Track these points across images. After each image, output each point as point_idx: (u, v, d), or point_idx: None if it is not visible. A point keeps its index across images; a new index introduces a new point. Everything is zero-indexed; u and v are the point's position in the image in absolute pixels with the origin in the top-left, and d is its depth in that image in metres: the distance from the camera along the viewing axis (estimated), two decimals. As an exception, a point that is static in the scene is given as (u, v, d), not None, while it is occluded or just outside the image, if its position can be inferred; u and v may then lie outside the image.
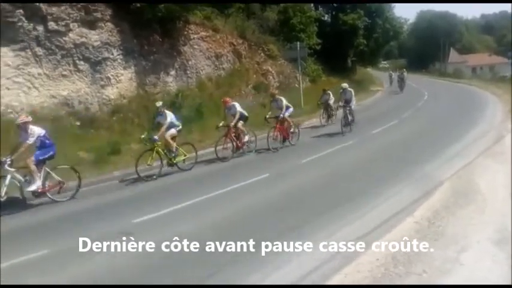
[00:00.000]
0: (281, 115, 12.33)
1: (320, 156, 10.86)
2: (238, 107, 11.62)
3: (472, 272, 4.53)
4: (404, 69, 35.25)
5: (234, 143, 11.41)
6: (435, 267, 4.65)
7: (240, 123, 11.52)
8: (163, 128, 9.84)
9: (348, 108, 14.30)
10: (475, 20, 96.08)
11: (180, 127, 10.48)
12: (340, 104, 14.79)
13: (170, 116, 10.07)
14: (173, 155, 9.99)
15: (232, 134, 11.35)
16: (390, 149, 11.46)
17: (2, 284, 4.49)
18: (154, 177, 9.52)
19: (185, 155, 10.31)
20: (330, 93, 16.92)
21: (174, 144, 10.06)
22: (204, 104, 16.18)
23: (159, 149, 9.76)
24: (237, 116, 11.37)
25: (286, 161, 10.55)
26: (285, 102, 12.88)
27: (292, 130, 12.73)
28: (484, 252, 4.97)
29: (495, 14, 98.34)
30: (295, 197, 7.62)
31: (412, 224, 5.91)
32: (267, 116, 12.80)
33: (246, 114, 11.90)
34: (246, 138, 11.72)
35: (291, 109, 13.11)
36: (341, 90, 15.05)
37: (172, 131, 10.10)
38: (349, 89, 14.95)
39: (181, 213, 6.99)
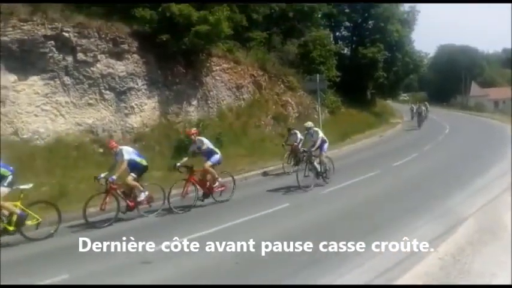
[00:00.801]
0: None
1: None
2: (127, 154, 8.72)
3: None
4: (426, 103, 34.68)
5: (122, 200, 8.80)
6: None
7: (130, 177, 8.82)
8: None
9: (311, 154, 11.11)
10: (496, 54, 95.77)
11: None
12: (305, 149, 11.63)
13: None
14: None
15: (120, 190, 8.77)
16: (411, 183, 11.26)
17: (2, 284, 4.52)
18: None
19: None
20: (297, 132, 13.77)
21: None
22: (224, 134, 16.37)
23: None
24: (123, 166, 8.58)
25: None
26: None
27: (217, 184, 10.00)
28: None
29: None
30: (315, 229, 7.51)
31: (436, 260, 5.74)
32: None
33: (142, 163, 9.06)
34: (142, 196, 8.96)
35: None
36: (305, 132, 11.95)
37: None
38: (314, 128, 11.79)
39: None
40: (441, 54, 77.15)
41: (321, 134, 11.50)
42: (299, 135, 13.45)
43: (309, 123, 12.01)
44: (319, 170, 11.12)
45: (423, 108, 30.43)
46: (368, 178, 11.88)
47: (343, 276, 5.35)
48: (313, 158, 11.14)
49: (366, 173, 12.33)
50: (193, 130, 10.58)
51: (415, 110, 31.14)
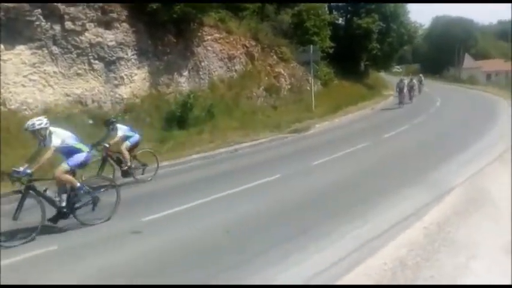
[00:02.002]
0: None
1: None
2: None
3: (481, 279, 4.47)
4: (421, 75, 34.15)
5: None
6: (444, 273, 4.61)
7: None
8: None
9: None
10: (491, 25, 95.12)
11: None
12: None
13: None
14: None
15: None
16: (400, 155, 11.37)
17: (2, 284, 4.54)
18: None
19: None
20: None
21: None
22: (215, 105, 16.29)
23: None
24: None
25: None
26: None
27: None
28: (494, 261, 4.91)
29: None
30: (304, 199, 7.61)
31: (421, 228, 5.87)
32: None
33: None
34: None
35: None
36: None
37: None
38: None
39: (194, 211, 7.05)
40: (436, 25, 76.56)
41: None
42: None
43: None
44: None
45: (414, 81, 28.33)
46: (359, 149, 11.98)
47: (334, 243, 5.45)
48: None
49: (357, 144, 12.41)
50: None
51: (405, 84, 25.42)
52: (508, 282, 4.29)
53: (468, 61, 68.88)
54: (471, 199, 7.15)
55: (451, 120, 18.19)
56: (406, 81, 26.10)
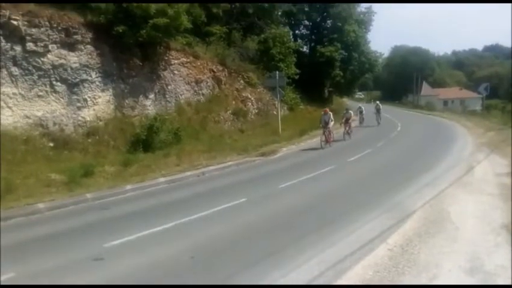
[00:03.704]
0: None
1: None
2: None
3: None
4: (378, 102, 32.21)
5: None
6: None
7: None
8: None
9: None
10: (446, 56, 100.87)
11: None
12: None
13: None
14: None
15: None
16: (364, 178, 11.60)
17: (2, 284, 4.31)
18: None
19: None
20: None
21: None
22: (183, 129, 16.19)
23: None
24: None
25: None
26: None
27: None
28: (455, 281, 5.04)
29: (465, 51, 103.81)
30: (269, 223, 7.59)
31: (386, 251, 5.97)
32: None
33: None
34: None
35: None
36: None
37: None
38: None
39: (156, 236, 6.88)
40: (395, 54, 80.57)
41: None
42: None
43: None
44: None
45: (380, 105, 29.73)
46: (324, 172, 12.14)
47: (300, 267, 5.43)
48: None
49: (322, 168, 12.59)
50: None
51: (363, 111, 28.75)
52: (508, 282, 4.36)
53: (426, 89, 72.34)
54: (432, 221, 7.36)
55: (411, 144, 18.85)
56: (363, 107, 30.09)
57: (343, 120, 21.53)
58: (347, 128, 21.17)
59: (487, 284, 4.41)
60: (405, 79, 67.71)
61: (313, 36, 36.40)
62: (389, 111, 39.47)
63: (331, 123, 18.13)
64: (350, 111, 22.50)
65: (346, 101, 50.23)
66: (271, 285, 4.42)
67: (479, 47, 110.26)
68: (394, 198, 8.96)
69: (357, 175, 11.96)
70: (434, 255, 5.83)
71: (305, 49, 36.19)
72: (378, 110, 29.09)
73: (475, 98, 66.91)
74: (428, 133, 24.02)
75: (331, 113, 18.49)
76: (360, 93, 75.37)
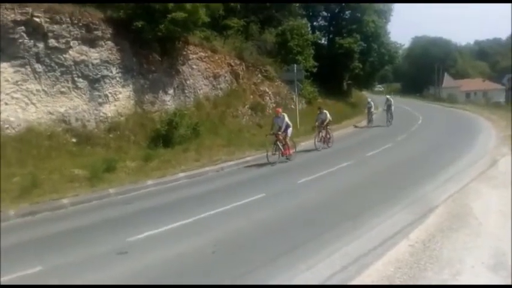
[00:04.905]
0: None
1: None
2: None
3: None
4: (388, 96, 26.83)
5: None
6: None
7: None
8: None
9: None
10: (468, 46, 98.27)
11: None
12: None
13: None
14: None
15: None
16: (384, 173, 11.49)
17: (2, 284, 4.46)
18: None
19: None
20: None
21: None
22: (201, 123, 16.27)
23: None
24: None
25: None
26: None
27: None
28: (478, 277, 4.97)
29: (488, 40, 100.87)
30: (289, 218, 7.61)
31: (407, 247, 5.91)
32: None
33: None
34: None
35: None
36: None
37: None
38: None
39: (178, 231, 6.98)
40: (415, 45, 78.86)
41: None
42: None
43: None
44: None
45: (391, 100, 25.18)
46: (342, 168, 12.06)
47: (322, 261, 5.43)
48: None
49: (340, 163, 12.50)
50: None
51: (372, 110, 25.03)
52: (508, 282, 4.31)
53: (448, 80, 70.83)
54: (454, 216, 7.25)
55: (433, 137, 18.52)
56: (372, 103, 25.65)
57: (317, 123, 16.59)
58: (322, 134, 16.33)
59: (487, 284, 4.35)
60: (426, 71, 66.48)
61: (331, 28, 35.92)
62: (409, 104, 38.93)
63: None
64: (325, 111, 17.03)
65: (365, 94, 49.63)
66: (273, 285, 4.43)
67: (503, 36, 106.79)
68: (416, 193, 8.86)
69: (377, 170, 11.83)
70: (457, 250, 5.75)
71: (323, 41, 35.77)
72: (388, 107, 24.38)
73: (498, 89, 65.43)
74: (450, 126, 23.57)
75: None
76: (379, 85, 74.30)
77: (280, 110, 14.61)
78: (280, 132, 13.51)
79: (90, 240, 6.66)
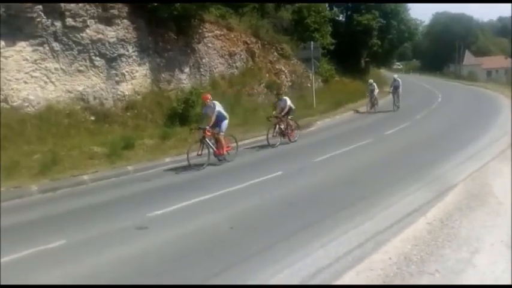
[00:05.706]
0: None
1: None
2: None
3: (484, 273, 4.51)
4: (395, 76, 23.14)
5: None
6: (448, 267, 4.64)
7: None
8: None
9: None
10: (491, 22, 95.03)
11: None
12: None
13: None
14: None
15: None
16: (402, 151, 11.38)
17: (2, 284, 4.56)
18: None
19: None
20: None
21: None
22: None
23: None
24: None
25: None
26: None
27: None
28: (497, 255, 4.94)
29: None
30: (306, 196, 7.63)
31: (424, 224, 5.89)
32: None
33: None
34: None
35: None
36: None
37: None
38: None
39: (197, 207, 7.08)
40: (436, 22, 76.50)
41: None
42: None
43: None
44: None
45: (399, 80, 21.53)
46: (360, 146, 11.99)
47: (337, 239, 5.46)
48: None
49: (358, 141, 12.42)
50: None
51: (375, 91, 21.04)
52: (508, 282, 4.31)
53: (468, 58, 68.91)
54: (474, 194, 7.17)
55: (453, 116, 18.20)
56: (375, 84, 21.44)
57: (274, 113, 13.61)
58: (281, 126, 13.13)
59: (488, 284, 4.32)
60: (446, 48, 64.66)
61: (349, 4, 35.03)
62: (429, 82, 38.17)
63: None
64: (285, 97, 13.78)
65: (383, 72, 48.73)
66: (273, 285, 4.46)
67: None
68: (435, 171, 8.77)
69: (396, 148, 11.75)
70: (476, 229, 5.71)
71: (341, 18, 35.07)
72: (395, 89, 21.10)
73: (521, 67, 63.34)
74: (470, 105, 23.08)
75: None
76: (398, 63, 72.76)
77: (209, 96, 11.03)
78: (208, 127, 10.42)
79: (110, 216, 6.82)
